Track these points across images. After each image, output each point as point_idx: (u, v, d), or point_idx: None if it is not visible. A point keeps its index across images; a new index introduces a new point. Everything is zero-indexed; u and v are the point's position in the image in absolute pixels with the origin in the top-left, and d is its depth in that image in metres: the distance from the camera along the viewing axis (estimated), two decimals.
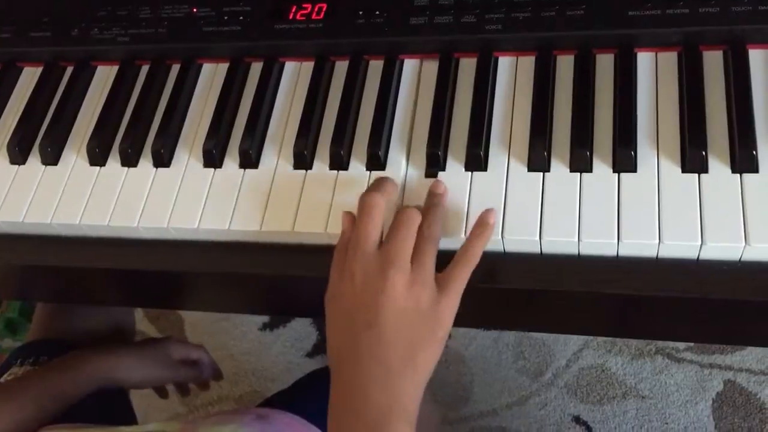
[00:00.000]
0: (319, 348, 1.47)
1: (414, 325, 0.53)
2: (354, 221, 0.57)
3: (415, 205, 0.59)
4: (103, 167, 0.69)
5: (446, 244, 0.58)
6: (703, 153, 0.56)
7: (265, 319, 1.51)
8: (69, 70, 0.76)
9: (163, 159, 0.67)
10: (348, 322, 0.54)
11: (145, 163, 0.68)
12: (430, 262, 0.54)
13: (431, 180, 0.61)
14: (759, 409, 1.26)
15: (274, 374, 1.47)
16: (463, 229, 0.58)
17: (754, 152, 0.55)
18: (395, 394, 0.52)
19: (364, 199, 0.56)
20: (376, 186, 0.57)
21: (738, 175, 0.55)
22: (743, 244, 0.52)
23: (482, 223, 0.56)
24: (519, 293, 0.61)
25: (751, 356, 1.29)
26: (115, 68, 0.75)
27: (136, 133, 0.69)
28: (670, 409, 1.28)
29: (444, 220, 0.58)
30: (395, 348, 0.52)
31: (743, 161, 0.55)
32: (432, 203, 0.58)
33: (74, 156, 0.70)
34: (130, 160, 0.68)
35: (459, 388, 1.38)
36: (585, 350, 1.36)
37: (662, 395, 1.30)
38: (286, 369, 1.46)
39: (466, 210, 0.59)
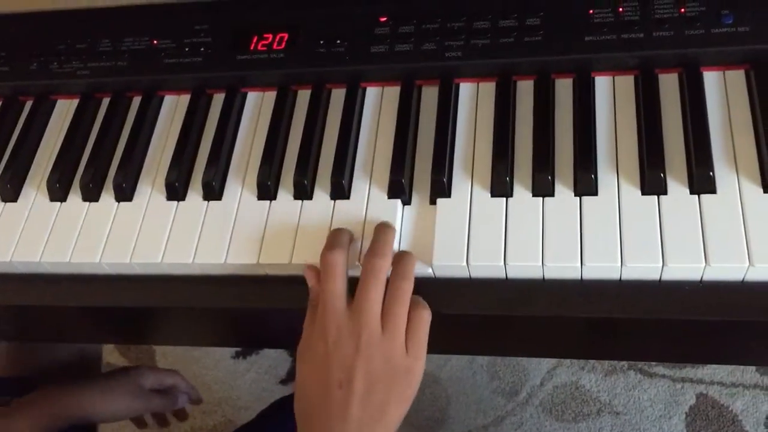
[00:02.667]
0: (292, 375, 1.45)
1: (386, 385, 0.53)
2: (317, 275, 0.57)
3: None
4: (63, 203, 0.68)
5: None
6: (662, 175, 0.56)
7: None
8: (28, 104, 0.75)
9: (125, 193, 0.66)
10: (319, 379, 0.54)
11: (107, 197, 0.67)
12: (401, 323, 0.55)
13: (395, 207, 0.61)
14: (731, 422, 1.27)
15: (248, 402, 1.45)
16: (431, 258, 0.58)
17: (711, 173, 0.56)
18: None
19: (325, 259, 0.56)
20: (333, 241, 0.57)
21: (696, 196, 0.56)
22: (703, 264, 0.53)
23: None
24: (486, 319, 0.61)
25: (721, 369, 1.31)
26: (76, 102, 0.74)
27: (98, 167, 0.68)
28: (645, 424, 1.29)
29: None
30: (367, 407, 0.53)
31: (701, 182, 0.56)
32: (406, 252, 0.58)
33: (34, 192, 0.69)
34: (91, 194, 0.67)
35: (435, 411, 1.37)
36: (558, 368, 1.36)
37: (636, 410, 1.30)
38: (259, 397, 1.45)
39: (432, 237, 0.59)
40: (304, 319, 0.57)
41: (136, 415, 0.87)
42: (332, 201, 0.63)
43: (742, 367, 1.29)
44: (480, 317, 0.60)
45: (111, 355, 1.53)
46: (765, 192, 0.55)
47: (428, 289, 0.58)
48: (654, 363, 1.33)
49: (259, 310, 0.64)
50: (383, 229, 0.59)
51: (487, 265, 0.57)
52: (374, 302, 0.54)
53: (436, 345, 0.74)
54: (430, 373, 1.40)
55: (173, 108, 0.72)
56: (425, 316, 0.56)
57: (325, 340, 0.54)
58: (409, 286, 0.56)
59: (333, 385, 0.53)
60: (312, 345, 0.55)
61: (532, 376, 1.36)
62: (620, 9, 0.62)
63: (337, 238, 0.58)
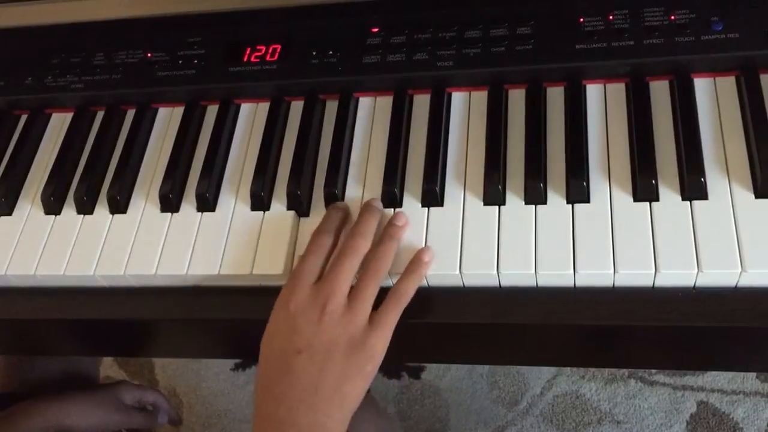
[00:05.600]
0: None
1: (344, 358, 0.54)
2: None
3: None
4: (58, 216, 0.68)
5: None
6: (653, 182, 0.56)
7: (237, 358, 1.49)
8: (23, 118, 0.76)
9: (119, 205, 0.67)
10: (279, 347, 0.55)
11: (102, 209, 0.67)
12: (369, 299, 0.55)
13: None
14: (733, 430, 1.26)
15: (247, 415, 1.44)
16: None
17: (703, 179, 0.56)
18: (322, 419, 0.53)
19: (314, 238, 0.57)
20: (326, 225, 0.59)
21: (688, 202, 0.56)
22: (696, 270, 0.53)
23: (416, 261, 0.57)
24: (482, 327, 0.61)
25: (722, 376, 1.30)
26: (70, 115, 0.74)
27: (92, 180, 0.68)
28: None
29: (396, 256, 0.58)
30: (324, 376, 0.53)
31: (692, 188, 0.56)
32: (388, 235, 0.58)
33: (29, 205, 0.69)
34: (85, 207, 0.67)
35: (435, 421, 1.37)
36: (559, 377, 1.36)
37: (637, 419, 1.30)
38: None
39: (423, 245, 0.59)
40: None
41: (115, 429, 0.87)
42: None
43: (742, 374, 1.29)
44: (475, 326, 0.60)
45: (110, 368, 1.53)
46: (756, 198, 0.55)
47: (421, 297, 0.58)
48: (654, 371, 1.32)
49: (255, 321, 0.64)
50: (371, 210, 0.59)
51: (480, 273, 0.57)
52: (345, 276, 0.55)
53: (433, 354, 0.74)
54: (430, 384, 1.40)
55: (167, 120, 0.72)
56: (401, 295, 0.56)
57: (287, 308, 0.55)
58: (383, 265, 0.56)
59: (291, 351, 0.54)
60: (275, 312, 0.56)
61: (532, 386, 1.36)
62: (610, 17, 0.63)
63: (330, 221, 0.59)
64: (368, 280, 0.56)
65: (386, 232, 0.58)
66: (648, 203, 0.57)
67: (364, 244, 0.57)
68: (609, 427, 1.30)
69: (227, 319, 0.64)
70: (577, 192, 0.58)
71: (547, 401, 1.34)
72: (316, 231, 0.58)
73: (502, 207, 0.59)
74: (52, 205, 0.68)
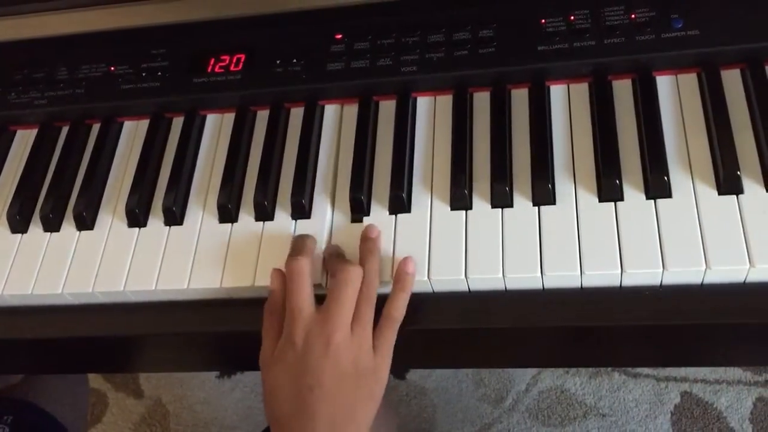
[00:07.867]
0: None
1: (355, 386, 0.54)
2: (283, 279, 0.57)
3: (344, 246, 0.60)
4: (25, 234, 0.67)
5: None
6: (617, 182, 0.56)
7: None
8: None
9: (86, 222, 0.66)
10: (291, 386, 0.55)
11: (68, 227, 0.67)
12: (369, 324, 0.56)
13: (357, 225, 0.61)
14: (717, 419, 1.27)
15: (235, 422, 1.44)
16: (390, 272, 0.58)
17: (666, 178, 0.56)
18: None
19: (290, 267, 0.56)
20: (297, 248, 0.58)
21: (652, 201, 0.56)
22: (661, 269, 0.53)
23: (401, 276, 0.57)
24: (453, 333, 0.61)
25: (704, 366, 1.31)
26: (35, 131, 0.73)
27: (58, 197, 0.68)
28: (631, 425, 1.29)
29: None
30: (338, 407, 0.54)
31: (656, 187, 0.56)
32: (367, 250, 0.58)
33: None
34: (52, 225, 0.67)
35: (422, 421, 1.37)
36: (543, 373, 1.36)
37: (622, 412, 1.30)
38: (246, 416, 1.44)
39: (392, 253, 0.59)
40: (262, 326, 0.58)
41: None
42: (293, 221, 0.63)
43: None
44: (446, 331, 0.60)
45: (94, 380, 1.52)
46: (720, 195, 0.55)
47: None
48: None
49: (228, 334, 0.64)
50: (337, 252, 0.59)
51: (448, 279, 0.57)
52: (348, 308, 0.55)
53: (409, 360, 0.74)
54: (415, 384, 1.39)
55: (133, 134, 0.72)
56: (395, 317, 0.56)
57: (294, 346, 0.55)
58: (373, 286, 0.56)
59: (304, 389, 0.54)
60: (280, 352, 0.56)
61: (517, 382, 1.36)
62: (571, 17, 0.63)
63: (300, 244, 0.59)
64: (365, 306, 0.56)
65: (365, 247, 0.58)
66: (613, 203, 0.57)
67: (358, 272, 0.56)
68: (594, 420, 1.30)
69: (198, 333, 0.63)
70: (543, 194, 0.58)
71: (532, 397, 1.34)
72: (292, 258, 0.56)
73: (468, 211, 0.59)
74: (18, 223, 0.67)
